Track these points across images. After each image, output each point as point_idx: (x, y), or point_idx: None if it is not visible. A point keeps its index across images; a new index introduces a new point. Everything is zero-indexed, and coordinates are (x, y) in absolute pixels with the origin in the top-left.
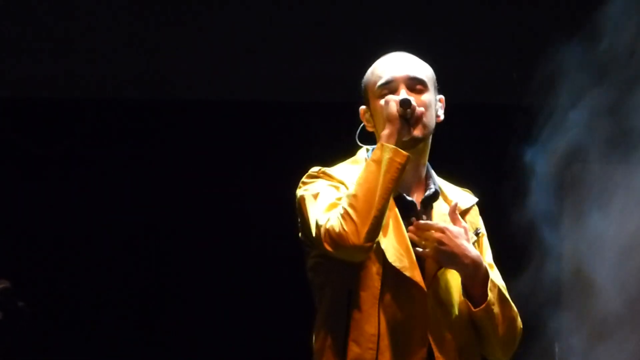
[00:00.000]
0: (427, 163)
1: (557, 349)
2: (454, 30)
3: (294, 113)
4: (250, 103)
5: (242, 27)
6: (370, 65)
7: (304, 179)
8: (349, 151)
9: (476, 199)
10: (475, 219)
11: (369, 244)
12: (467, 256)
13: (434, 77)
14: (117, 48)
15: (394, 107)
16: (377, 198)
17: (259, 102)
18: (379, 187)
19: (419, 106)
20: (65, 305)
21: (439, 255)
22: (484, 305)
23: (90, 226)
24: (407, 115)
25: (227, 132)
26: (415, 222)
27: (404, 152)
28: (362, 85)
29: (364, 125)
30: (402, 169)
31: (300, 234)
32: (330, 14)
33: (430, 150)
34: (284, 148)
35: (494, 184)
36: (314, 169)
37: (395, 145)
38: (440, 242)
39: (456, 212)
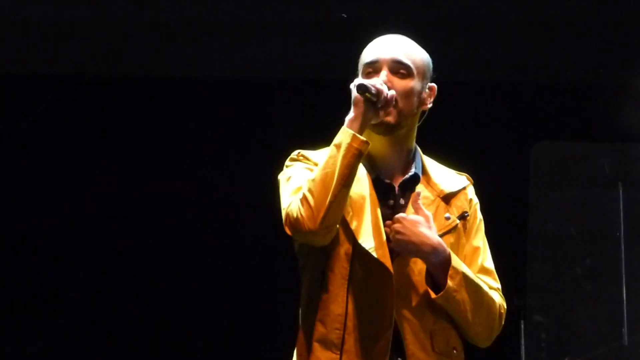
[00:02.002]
0: (414, 146)
1: (522, 326)
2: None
3: (282, 91)
4: (235, 81)
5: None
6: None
7: (286, 162)
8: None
9: (467, 183)
10: (465, 203)
11: (325, 229)
12: (425, 244)
13: (427, 64)
14: (79, 24)
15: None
16: (333, 183)
17: (245, 79)
18: (336, 172)
19: (396, 90)
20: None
21: (397, 244)
22: (442, 292)
23: (53, 206)
24: (373, 99)
25: (206, 110)
26: (393, 218)
27: (362, 138)
28: (357, 61)
29: None
30: (360, 154)
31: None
32: None
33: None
34: (275, 128)
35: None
36: (295, 153)
37: (360, 128)
38: (397, 232)
39: (417, 201)
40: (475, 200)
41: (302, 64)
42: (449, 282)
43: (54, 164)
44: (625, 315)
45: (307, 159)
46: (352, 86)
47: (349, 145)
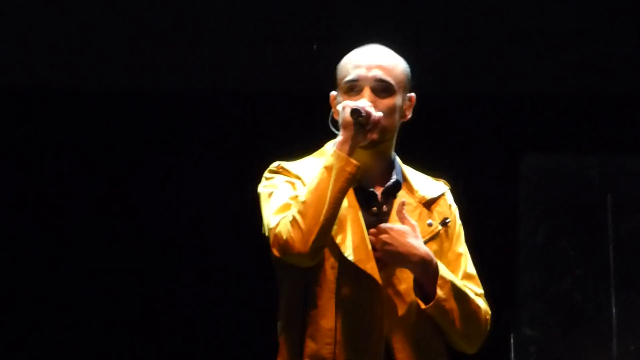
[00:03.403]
0: (392, 154)
1: (512, 340)
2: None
3: (262, 103)
4: (212, 93)
5: (201, 14)
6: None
7: (265, 173)
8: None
9: (446, 188)
10: (445, 209)
11: (315, 252)
12: (413, 254)
13: (407, 75)
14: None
15: (348, 113)
16: (325, 207)
17: (222, 92)
18: (328, 196)
19: (380, 110)
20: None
21: (385, 255)
22: (432, 302)
23: (30, 216)
24: (363, 121)
25: (186, 123)
26: (376, 227)
27: (355, 162)
28: (336, 70)
29: (333, 112)
30: (353, 178)
31: (263, 228)
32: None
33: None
34: (254, 140)
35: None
36: (274, 164)
37: (350, 151)
38: (384, 243)
39: (403, 211)
40: (454, 205)
41: (277, 76)
42: (439, 292)
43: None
44: (614, 327)
45: (287, 171)
46: (339, 106)
47: (342, 169)
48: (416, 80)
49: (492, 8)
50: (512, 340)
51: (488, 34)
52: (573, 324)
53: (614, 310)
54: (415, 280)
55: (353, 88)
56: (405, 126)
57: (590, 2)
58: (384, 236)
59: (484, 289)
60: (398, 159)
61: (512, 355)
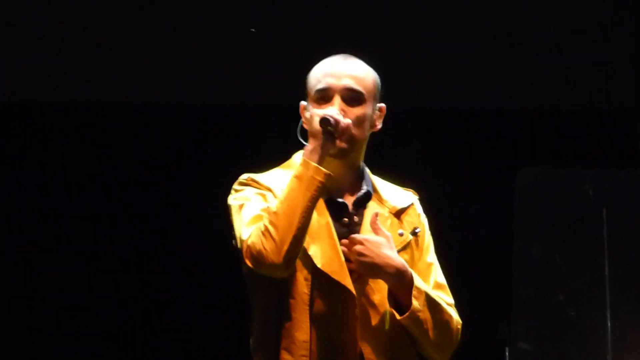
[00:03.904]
0: (361, 164)
1: (507, 353)
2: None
3: (227, 115)
4: (181, 106)
5: (168, 28)
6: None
7: (234, 186)
8: (286, 153)
9: (415, 197)
10: (415, 218)
11: (289, 262)
12: (389, 265)
13: (377, 85)
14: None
15: (317, 122)
16: (297, 217)
17: (190, 105)
18: (300, 205)
19: (350, 119)
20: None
21: (360, 267)
22: (407, 313)
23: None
24: (332, 130)
25: (159, 135)
26: (349, 238)
27: (325, 171)
28: (306, 79)
29: (302, 121)
30: (323, 187)
31: (233, 241)
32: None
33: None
34: (219, 151)
35: None
36: (244, 176)
37: (320, 159)
38: (360, 254)
39: (376, 222)
40: (423, 215)
41: (237, 88)
42: (414, 303)
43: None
44: (609, 341)
45: (257, 183)
46: (308, 114)
47: (312, 178)
48: (410, 93)
49: (489, 21)
50: (507, 354)
51: (484, 47)
52: (568, 338)
53: (609, 324)
54: (389, 291)
55: (323, 97)
56: (401, 138)
57: (587, 18)
58: (358, 247)
59: (479, 302)
60: (367, 169)
61: None
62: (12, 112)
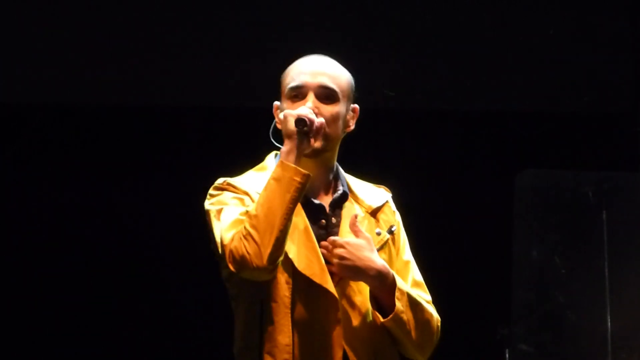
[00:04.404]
0: (335, 165)
1: (507, 355)
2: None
3: (200, 118)
4: (159, 108)
5: (157, 30)
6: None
7: (210, 190)
8: (257, 156)
9: (389, 195)
10: (390, 216)
11: (272, 265)
12: (371, 268)
13: (351, 85)
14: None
15: (292, 123)
16: (278, 219)
17: (169, 107)
18: (280, 207)
19: (324, 117)
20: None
21: (342, 270)
22: (391, 315)
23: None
24: (307, 130)
25: (137, 138)
26: (327, 240)
27: (303, 171)
28: (280, 79)
29: (276, 122)
30: (302, 188)
31: (211, 246)
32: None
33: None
34: (193, 154)
35: None
36: (220, 181)
37: (296, 159)
38: (341, 257)
39: (356, 224)
40: (397, 212)
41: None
42: (397, 304)
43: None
44: (609, 343)
45: (234, 187)
46: (282, 115)
47: (291, 179)
48: (410, 95)
49: (490, 23)
50: (507, 356)
51: (484, 49)
52: (568, 340)
53: (609, 326)
54: (371, 293)
55: (297, 95)
56: (399, 141)
57: (587, 20)
58: (340, 251)
59: (479, 304)
60: (341, 169)
61: None
62: (3, 115)
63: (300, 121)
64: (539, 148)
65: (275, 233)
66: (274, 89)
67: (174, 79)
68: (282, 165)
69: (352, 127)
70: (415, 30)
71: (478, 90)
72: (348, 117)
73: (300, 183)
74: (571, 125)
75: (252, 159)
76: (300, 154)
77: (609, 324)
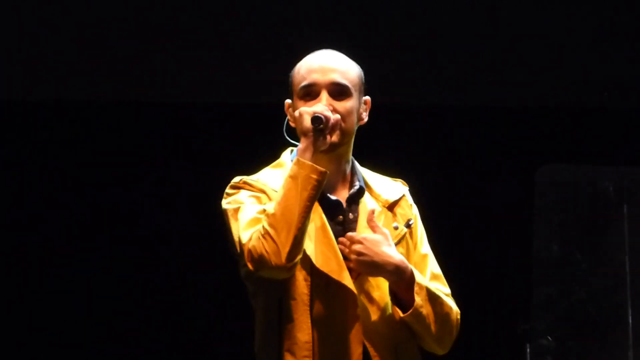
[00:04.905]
0: (351, 159)
1: (528, 350)
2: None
3: (216, 114)
4: (174, 105)
5: (173, 26)
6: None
7: (227, 189)
8: (274, 152)
9: (406, 188)
10: (407, 210)
11: (291, 263)
12: (389, 263)
13: (361, 78)
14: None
15: (307, 121)
16: (296, 217)
17: (183, 103)
18: (297, 205)
19: (338, 113)
20: None
21: (360, 266)
22: (411, 310)
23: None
24: (323, 128)
25: (153, 134)
26: (345, 236)
27: (320, 168)
28: (290, 78)
29: (288, 119)
30: (320, 185)
31: (229, 245)
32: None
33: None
34: (209, 151)
35: None
36: (236, 179)
37: (313, 156)
38: (359, 253)
39: (373, 219)
40: (414, 205)
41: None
42: (416, 299)
43: None
44: (630, 338)
45: (250, 185)
46: (297, 112)
47: (308, 177)
48: (430, 91)
49: (510, 18)
50: (528, 351)
51: (504, 45)
52: (589, 335)
53: (630, 321)
54: (390, 288)
55: (309, 93)
56: (423, 135)
57: (607, 15)
58: (358, 247)
59: (500, 299)
60: (357, 163)
61: None
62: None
63: (316, 119)
64: (560, 143)
65: (293, 231)
66: (287, 84)
67: (189, 75)
68: (298, 163)
69: (366, 119)
70: (435, 25)
71: (498, 86)
72: (361, 110)
73: (317, 180)
74: (592, 121)
75: (268, 156)
76: (317, 151)
77: (630, 318)
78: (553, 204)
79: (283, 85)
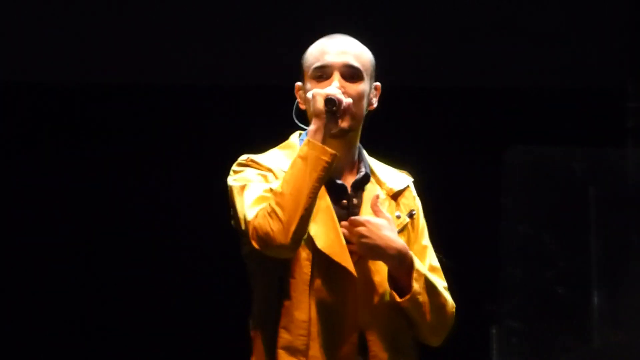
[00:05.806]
0: (358, 145)
1: (493, 331)
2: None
3: (225, 97)
4: (181, 87)
5: (172, 9)
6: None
7: (234, 167)
8: (283, 134)
9: (411, 179)
10: (410, 201)
11: (296, 243)
12: (391, 247)
13: (373, 64)
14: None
15: (320, 102)
16: (304, 197)
17: (189, 86)
18: (306, 186)
19: (350, 96)
20: None
21: (362, 248)
22: (408, 295)
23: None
24: (335, 109)
25: (158, 117)
26: (348, 219)
27: (331, 151)
28: (302, 60)
29: (298, 102)
30: (329, 167)
31: (232, 222)
32: None
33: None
34: (217, 133)
35: None
36: (243, 157)
37: (323, 139)
38: (362, 236)
39: (377, 204)
40: (418, 197)
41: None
42: (414, 285)
43: None
44: (596, 319)
45: (257, 164)
46: (309, 94)
47: (318, 158)
48: (398, 72)
49: (480, 0)
50: (493, 332)
51: (473, 26)
52: (555, 316)
53: (595, 303)
54: (389, 273)
55: (322, 75)
56: (388, 117)
57: None
58: (360, 229)
59: (466, 280)
60: (364, 150)
61: (494, 347)
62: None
63: (329, 101)
64: (527, 124)
65: (300, 211)
66: (297, 67)
67: (195, 57)
68: (309, 143)
69: (375, 105)
70: (402, 6)
71: (465, 68)
72: (371, 95)
73: (327, 162)
74: (559, 101)
75: (275, 138)
76: (328, 133)
77: (595, 299)
78: (520, 185)
79: (292, 68)
